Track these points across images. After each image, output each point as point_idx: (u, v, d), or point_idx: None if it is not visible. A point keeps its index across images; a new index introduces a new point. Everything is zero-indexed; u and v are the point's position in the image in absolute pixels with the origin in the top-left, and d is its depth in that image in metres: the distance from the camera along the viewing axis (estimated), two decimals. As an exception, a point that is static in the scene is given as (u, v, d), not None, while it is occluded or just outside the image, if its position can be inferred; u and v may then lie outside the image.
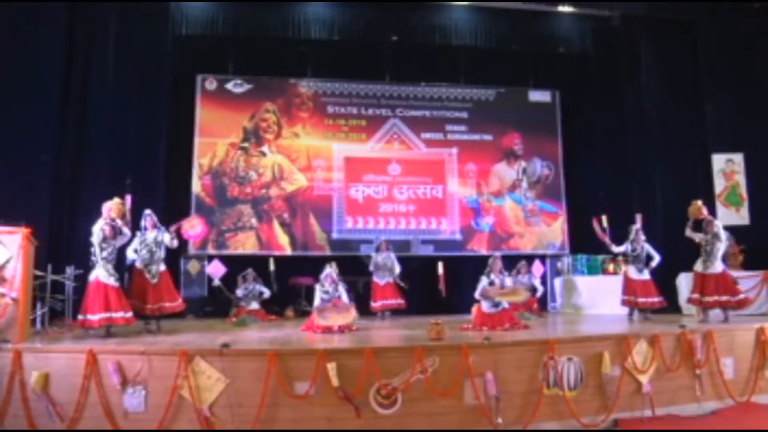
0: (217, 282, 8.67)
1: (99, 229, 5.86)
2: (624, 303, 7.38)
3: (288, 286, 9.21)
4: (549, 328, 6.93)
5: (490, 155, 10.73)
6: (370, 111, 10.50)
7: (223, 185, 9.80)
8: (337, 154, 10.26)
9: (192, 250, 9.46)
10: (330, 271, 7.05)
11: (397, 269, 9.02)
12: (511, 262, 9.21)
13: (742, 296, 6.56)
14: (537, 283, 9.13)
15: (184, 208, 9.15)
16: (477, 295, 6.78)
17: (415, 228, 10.29)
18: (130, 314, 5.85)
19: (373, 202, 10.24)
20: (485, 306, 6.73)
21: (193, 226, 7.00)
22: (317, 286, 7.01)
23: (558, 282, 9.93)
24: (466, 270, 9.59)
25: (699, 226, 6.81)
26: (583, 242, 9.42)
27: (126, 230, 6.07)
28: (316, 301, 6.92)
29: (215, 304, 8.99)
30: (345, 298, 6.96)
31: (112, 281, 5.80)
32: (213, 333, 6.38)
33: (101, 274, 5.78)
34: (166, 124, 9.27)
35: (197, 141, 9.81)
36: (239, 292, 8.46)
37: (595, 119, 10.47)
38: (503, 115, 10.75)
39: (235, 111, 10.02)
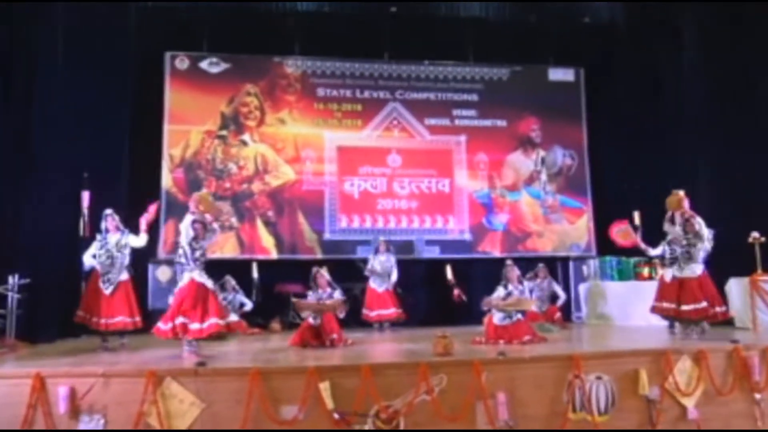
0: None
1: (188, 227, 5.80)
2: (658, 311, 7.30)
3: (273, 295, 9.23)
4: (574, 341, 6.94)
5: (504, 143, 10.73)
6: (367, 94, 10.50)
7: (198, 179, 9.77)
8: (328, 143, 10.25)
9: (162, 253, 9.40)
10: (318, 270, 7.10)
11: (394, 275, 9.02)
12: (528, 266, 9.21)
13: (723, 307, 6.42)
14: (558, 289, 9.17)
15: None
16: (483, 306, 6.87)
17: (419, 227, 10.29)
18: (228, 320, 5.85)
19: (370, 198, 10.23)
20: (497, 317, 6.78)
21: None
22: (309, 293, 7.08)
23: (583, 288, 9.86)
24: (477, 274, 9.61)
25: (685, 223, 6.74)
26: (612, 243, 9.21)
27: (216, 226, 6.04)
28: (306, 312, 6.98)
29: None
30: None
31: (210, 284, 5.79)
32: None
33: (197, 276, 5.75)
34: (129, 110, 9.20)
35: (167, 129, 9.76)
36: None
37: (625, 101, 10.41)
38: (519, 98, 10.74)
39: (210, 94, 9.99)
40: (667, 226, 6.68)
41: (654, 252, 7.53)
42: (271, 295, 9.17)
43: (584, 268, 10.18)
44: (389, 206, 10.29)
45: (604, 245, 10.16)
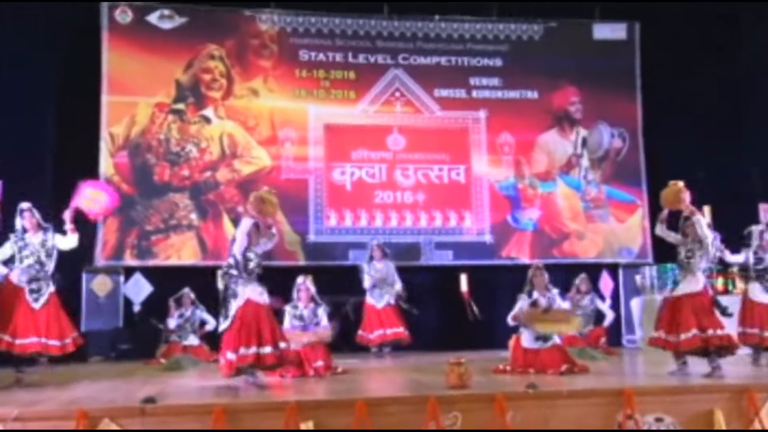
0: (137, 307, 8.74)
1: (246, 233, 5.97)
2: (742, 339, 7.11)
3: None
4: (625, 371, 6.96)
5: (535, 120, 10.72)
6: (361, 58, 10.47)
7: (148, 165, 9.76)
8: (314, 120, 10.25)
9: (100, 259, 9.38)
10: (304, 280, 7.14)
11: (398, 285, 9.02)
12: (566, 276, 9.21)
13: (725, 331, 6.20)
14: (605, 306, 9.11)
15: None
16: (510, 320, 6.93)
17: (427, 226, 10.29)
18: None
19: (366, 190, 10.19)
20: (527, 338, 6.81)
21: (95, 199, 6.72)
22: (287, 308, 7.09)
23: (637, 304, 9.76)
24: (501, 286, 9.62)
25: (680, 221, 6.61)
26: (675, 247, 9.05)
27: (274, 231, 6.30)
28: (286, 327, 6.98)
29: (135, 340, 8.97)
30: (325, 323, 7.09)
31: (265, 298, 5.98)
32: (131, 382, 6.35)
33: (252, 293, 5.91)
34: (55, 77, 9.12)
35: (106, 101, 9.72)
36: (171, 321, 8.53)
37: (693, 66, 10.32)
38: (554, 62, 10.74)
39: (162, 57, 9.96)
40: (659, 230, 6.66)
41: (733, 259, 7.45)
42: None
43: (638, 278, 10.06)
44: (390, 200, 10.29)
45: (664, 249, 9.93)
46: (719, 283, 9.11)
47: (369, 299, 8.97)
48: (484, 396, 5.07)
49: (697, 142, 10.24)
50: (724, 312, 6.31)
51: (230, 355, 5.83)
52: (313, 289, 7.18)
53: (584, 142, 10.75)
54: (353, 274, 9.22)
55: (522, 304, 6.90)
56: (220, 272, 8.73)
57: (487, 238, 10.37)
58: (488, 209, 10.45)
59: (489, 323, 9.19)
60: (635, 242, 10.55)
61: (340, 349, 8.07)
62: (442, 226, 10.30)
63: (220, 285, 8.60)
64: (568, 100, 10.80)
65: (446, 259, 10.20)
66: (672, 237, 6.62)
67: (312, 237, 9.99)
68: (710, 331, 6.08)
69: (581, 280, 9.07)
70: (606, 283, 9.36)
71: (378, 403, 4.91)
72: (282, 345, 5.90)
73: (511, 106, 10.67)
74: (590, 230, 10.58)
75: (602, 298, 9.19)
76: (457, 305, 9.46)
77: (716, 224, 7.96)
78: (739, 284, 8.30)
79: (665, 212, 6.57)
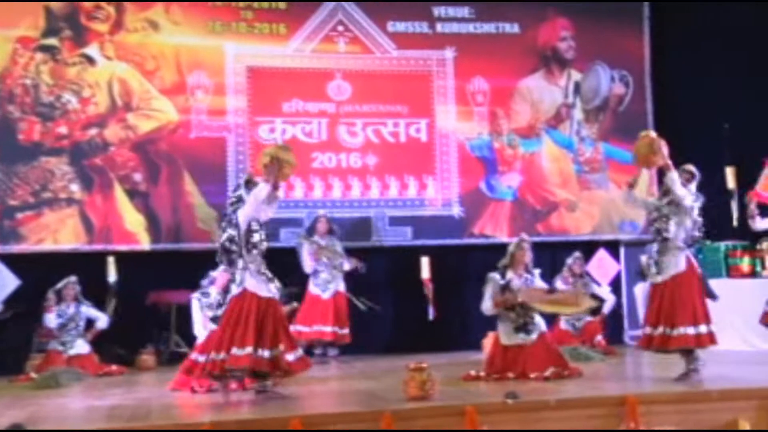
0: None
1: (262, 200, 6.08)
2: (763, 321, 7.33)
3: (145, 308, 9.25)
4: (628, 375, 7.21)
5: (516, 61, 10.71)
6: (293, -19, 10.39)
7: (10, 121, 9.54)
8: (233, 62, 10.13)
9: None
10: (221, 272, 7.11)
11: (347, 265, 9.12)
12: (553, 257, 9.40)
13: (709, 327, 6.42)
14: (604, 291, 9.19)
15: None
16: (486, 306, 7.02)
17: (379, 197, 10.25)
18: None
19: (301, 152, 9.80)
20: (506, 334, 6.91)
21: None
22: (194, 298, 7.17)
23: (641, 291, 9.56)
24: (472, 272, 9.51)
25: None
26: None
27: (280, 193, 6.44)
28: (198, 327, 7.07)
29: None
30: None
31: (273, 291, 6.16)
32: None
33: (251, 283, 6.08)
34: None
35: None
36: (49, 320, 8.46)
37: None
38: (538, -13, 10.77)
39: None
40: (627, 195, 6.87)
41: (761, 224, 7.42)
42: (140, 309, 9.15)
43: (643, 259, 9.73)
44: (332, 164, 10.24)
45: None
46: (744, 263, 9.19)
47: (312, 288, 9.01)
48: (452, 409, 5.15)
49: (721, 88, 10.14)
50: (712, 297, 6.64)
51: (202, 358, 6.10)
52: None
53: (577, 88, 10.77)
54: (287, 258, 9.08)
55: (492, 285, 7.01)
56: (110, 259, 8.99)
57: (456, 210, 10.35)
58: (457, 174, 10.43)
59: (458, 319, 9.33)
60: (640, 214, 10.33)
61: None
62: (399, 197, 10.29)
63: (112, 276, 8.89)
64: (557, 35, 10.81)
65: (404, 237, 10.20)
66: (641, 202, 6.89)
67: None
68: (683, 329, 6.30)
69: (575, 261, 9.13)
70: (604, 264, 9.37)
71: (318, 421, 4.98)
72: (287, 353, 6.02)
73: (485, 43, 10.62)
74: (584, 199, 10.60)
75: (597, 284, 9.25)
76: (418, 297, 9.45)
77: (742, 190, 7.99)
78: None
79: (639, 174, 6.77)
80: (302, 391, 6.46)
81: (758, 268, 8.92)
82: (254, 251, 6.12)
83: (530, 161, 10.56)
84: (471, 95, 10.51)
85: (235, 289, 6.14)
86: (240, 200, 6.21)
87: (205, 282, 7.22)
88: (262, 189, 6.10)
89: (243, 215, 6.12)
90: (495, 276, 7.06)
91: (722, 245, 9.37)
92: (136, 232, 9.56)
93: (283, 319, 6.30)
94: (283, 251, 9.33)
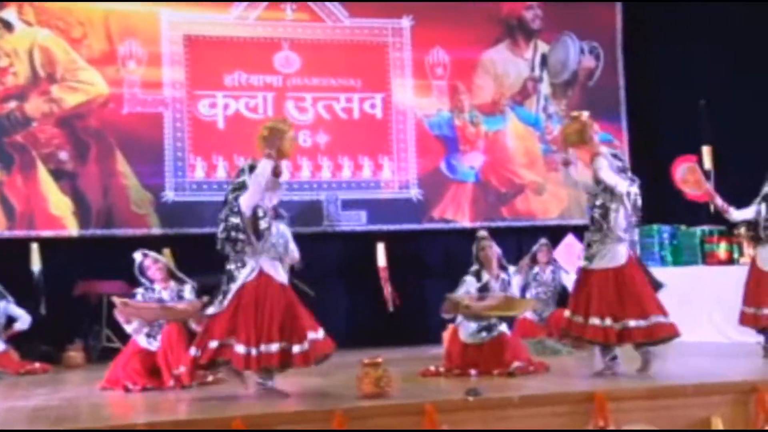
0: None
1: (266, 181, 6.06)
2: (747, 321, 7.44)
3: (73, 300, 9.19)
4: (597, 369, 6.90)
5: (478, 32, 10.74)
6: (236, -61, 10.34)
7: None
8: (169, 30, 10.06)
9: None
10: (150, 263, 7.18)
11: (296, 253, 8.87)
12: (518, 244, 9.61)
13: (660, 318, 6.45)
14: (569, 280, 8.99)
15: None
16: (443, 310, 7.06)
17: (331, 178, 10.30)
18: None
19: (245, 129, 9.83)
20: (466, 330, 6.98)
21: None
22: (138, 293, 7.17)
23: None
24: (432, 259, 9.86)
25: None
26: (664, 202, 9.19)
27: (286, 175, 6.49)
28: (134, 324, 7.04)
29: None
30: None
31: (282, 276, 6.18)
32: None
33: (266, 265, 6.10)
34: None
35: None
36: None
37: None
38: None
39: None
40: (564, 175, 7.02)
41: (738, 215, 7.54)
42: (67, 302, 9.07)
43: None
44: None
45: (651, 206, 9.90)
46: (721, 249, 9.25)
47: None
48: (410, 407, 5.16)
49: (698, 61, 10.28)
50: (657, 286, 6.62)
51: (212, 343, 5.91)
52: (171, 265, 7.35)
53: (544, 60, 10.85)
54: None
55: (466, 286, 7.00)
56: (33, 246, 8.92)
57: (414, 193, 10.40)
58: (414, 154, 10.49)
59: (417, 310, 9.34)
60: None
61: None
62: (353, 178, 10.33)
63: (35, 265, 8.83)
64: (523, 4, 10.86)
65: (358, 222, 10.23)
66: (580, 184, 6.85)
67: (170, 195, 9.90)
68: (632, 321, 6.29)
69: (540, 248, 9.13)
70: (571, 251, 9.33)
71: (262, 422, 4.95)
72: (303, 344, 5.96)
73: (445, 11, 10.59)
74: (552, 181, 10.65)
75: (565, 271, 9.29)
76: (373, 286, 9.55)
77: (720, 171, 8.19)
78: (747, 251, 8.51)
79: (569, 154, 6.69)
80: (245, 389, 6.30)
81: (736, 255, 8.99)
82: (264, 239, 6.10)
83: (494, 140, 10.59)
84: (430, 68, 10.53)
85: (248, 273, 6.06)
86: (243, 186, 6.15)
87: (142, 264, 7.13)
88: (265, 166, 6.07)
89: (246, 201, 6.05)
90: (470, 279, 7.06)
91: (698, 230, 9.46)
92: (62, 216, 9.47)
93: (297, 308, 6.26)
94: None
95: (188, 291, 7.12)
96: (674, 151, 8.85)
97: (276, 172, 6.21)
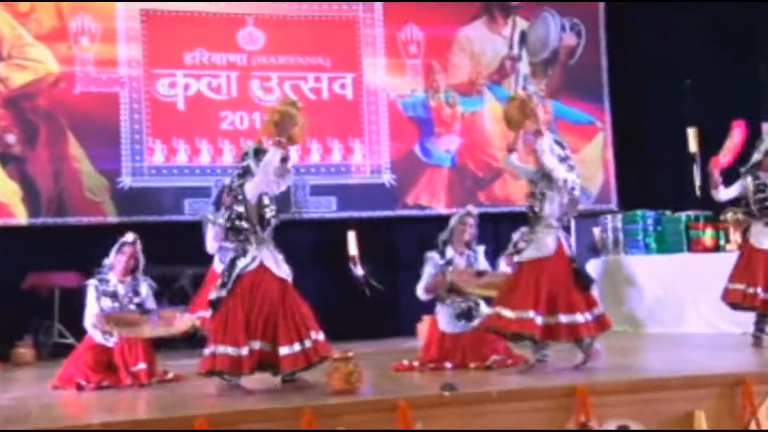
0: None
1: (274, 168, 6.04)
2: (726, 298, 7.48)
3: (22, 293, 9.15)
4: (578, 362, 6.96)
5: (454, 7, 10.79)
6: None
7: None
8: (124, 4, 10.00)
9: None
10: (115, 256, 7.12)
11: None
12: (496, 230, 9.60)
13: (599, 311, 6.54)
14: None
15: None
16: (421, 291, 7.13)
17: (299, 162, 9.93)
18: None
19: (208, 110, 10.10)
20: (446, 320, 7.02)
21: None
22: (91, 285, 7.07)
23: (594, 268, 9.82)
24: (405, 247, 9.83)
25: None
26: (648, 187, 9.50)
27: (295, 158, 6.52)
28: (89, 319, 6.97)
29: None
30: (152, 304, 7.19)
31: (285, 271, 6.15)
32: None
33: (267, 258, 6.09)
34: None
35: None
36: None
37: None
38: None
39: None
40: (506, 161, 6.83)
41: (725, 194, 7.60)
42: (16, 295, 9.04)
43: (596, 231, 10.21)
44: (244, 124, 10.21)
45: (633, 191, 10.12)
46: (707, 236, 9.31)
47: (218, 265, 8.65)
48: (382, 403, 5.14)
49: (684, 40, 10.35)
50: (587, 282, 6.56)
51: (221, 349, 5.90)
52: (138, 251, 7.23)
53: (523, 38, 10.88)
54: (191, 233, 8.94)
55: (431, 265, 7.06)
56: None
57: (386, 178, 10.46)
58: (387, 137, 10.53)
59: (390, 301, 9.47)
60: (594, 181, 10.75)
61: (171, 345, 8.05)
62: (322, 163, 10.37)
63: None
64: None
65: (328, 209, 10.27)
66: (521, 170, 6.79)
67: (126, 180, 9.86)
68: (563, 317, 6.27)
69: (521, 236, 8.85)
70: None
71: (227, 421, 4.92)
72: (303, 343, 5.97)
73: None
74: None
75: None
76: (344, 276, 9.60)
77: (706, 153, 8.05)
78: (734, 237, 8.58)
79: (515, 137, 6.69)
80: (208, 387, 6.25)
81: (722, 242, 9.06)
82: (268, 229, 6.14)
83: (470, 122, 10.65)
84: (403, 46, 10.58)
85: (247, 264, 6.05)
86: (248, 172, 6.13)
87: (104, 268, 7.09)
88: (275, 154, 6.03)
89: (252, 188, 6.05)
90: (433, 255, 7.11)
91: (683, 216, 9.49)
92: (10, 203, 9.41)
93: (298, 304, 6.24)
94: (185, 226, 9.39)
95: (144, 288, 7.12)
96: (659, 133, 8.94)
97: (284, 158, 6.20)
